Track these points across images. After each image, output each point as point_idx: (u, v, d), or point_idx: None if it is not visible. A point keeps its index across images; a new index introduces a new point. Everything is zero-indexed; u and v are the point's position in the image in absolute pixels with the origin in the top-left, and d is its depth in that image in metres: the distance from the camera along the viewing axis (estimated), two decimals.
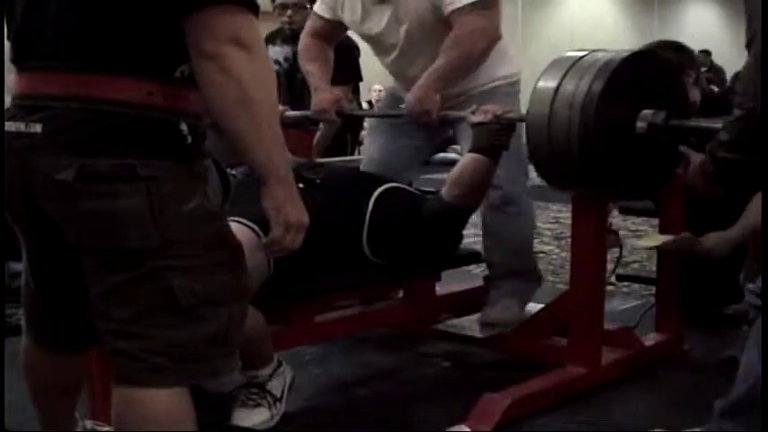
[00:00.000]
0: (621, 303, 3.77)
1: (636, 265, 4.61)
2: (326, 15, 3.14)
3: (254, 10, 1.48)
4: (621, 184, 2.57)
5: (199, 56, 1.45)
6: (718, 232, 2.70)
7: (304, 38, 3.23)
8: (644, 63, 2.54)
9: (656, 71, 2.55)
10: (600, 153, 2.41)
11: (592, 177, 2.47)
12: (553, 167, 2.51)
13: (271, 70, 1.54)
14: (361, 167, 3.26)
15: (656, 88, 2.52)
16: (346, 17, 3.09)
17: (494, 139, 2.69)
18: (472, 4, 2.81)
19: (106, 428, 2.13)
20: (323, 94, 3.13)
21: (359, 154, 7.82)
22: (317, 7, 3.20)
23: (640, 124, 2.44)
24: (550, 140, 2.44)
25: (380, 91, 4.32)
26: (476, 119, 2.70)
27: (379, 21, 3.00)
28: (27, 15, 1.55)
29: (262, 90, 1.48)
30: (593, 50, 2.55)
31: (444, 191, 2.74)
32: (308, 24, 3.24)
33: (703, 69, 10.83)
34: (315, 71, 3.17)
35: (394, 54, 3.04)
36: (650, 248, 3.19)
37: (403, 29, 2.96)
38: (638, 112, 2.45)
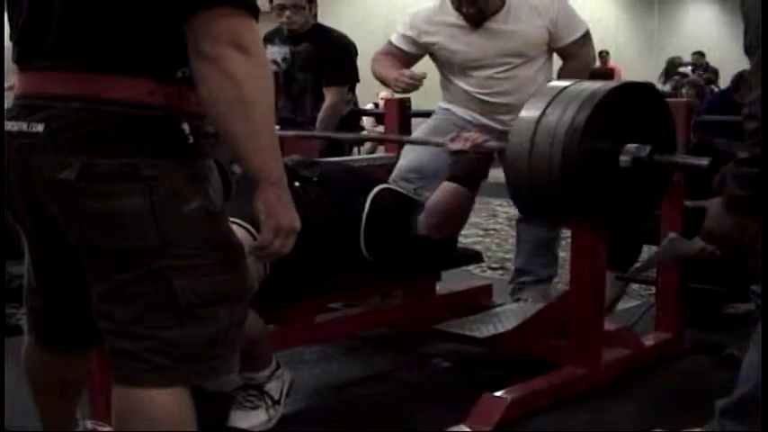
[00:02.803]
0: (621, 303, 3.76)
1: (636, 265, 4.60)
2: (404, 48, 3.36)
3: (254, 13, 1.48)
4: (603, 217, 2.48)
5: (197, 57, 1.45)
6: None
7: (378, 54, 3.42)
8: (630, 95, 2.45)
9: (642, 104, 2.46)
10: (581, 186, 2.32)
11: (573, 211, 2.38)
12: (532, 200, 2.40)
13: (269, 74, 1.54)
14: (403, 162, 3.27)
15: (643, 121, 2.43)
16: (436, 43, 3.29)
17: (471, 168, 2.59)
18: (584, 36, 3.23)
19: (106, 428, 2.13)
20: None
21: (358, 154, 7.84)
22: (394, 38, 3.40)
23: (624, 158, 2.34)
24: (530, 172, 2.33)
25: (384, 99, 4.33)
26: (455, 146, 2.60)
27: (475, 46, 3.22)
28: (30, 16, 1.55)
29: (259, 93, 1.47)
30: (579, 80, 2.48)
31: (421, 218, 2.67)
32: (384, 48, 3.43)
33: (690, 69, 10.82)
34: (388, 69, 3.32)
35: (482, 79, 3.25)
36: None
37: (500, 55, 3.20)
38: (623, 146, 2.36)
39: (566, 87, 2.40)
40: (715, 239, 2.03)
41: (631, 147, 2.34)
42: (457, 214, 2.68)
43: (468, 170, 2.58)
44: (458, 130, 3.31)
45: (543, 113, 2.33)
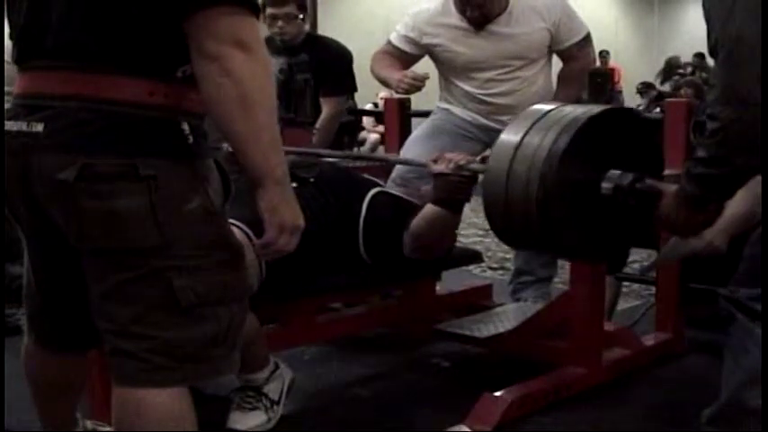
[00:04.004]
0: (621, 303, 3.76)
1: (636, 265, 4.61)
2: (405, 48, 3.36)
3: (256, 11, 1.48)
4: (582, 247, 2.37)
5: (200, 56, 1.45)
6: (708, 229, 2.66)
7: (377, 54, 3.42)
8: (616, 121, 2.35)
9: (628, 130, 2.37)
10: (559, 214, 2.22)
11: (550, 239, 2.27)
12: (508, 226, 2.31)
13: (270, 72, 1.54)
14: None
15: (628, 148, 2.32)
16: (438, 45, 3.29)
17: (454, 191, 2.51)
18: (585, 38, 3.26)
19: (106, 428, 2.13)
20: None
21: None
22: (394, 38, 3.40)
23: (605, 185, 2.24)
24: (507, 198, 2.24)
25: (383, 98, 4.32)
26: (437, 168, 2.52)
27: (478, 48, 3.22)
28: (30, 15, 1.55)
29: (261, 92, 1.48)
30: (563, 105, 2.40)
31: (405, 240, 2.63)
32: (384, 48, 3.43)
33: (690, 70, 10.78)
34: (388, 69, 3.33)
35: (483, 81, 3.26)
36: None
37: (502, 57, 3.21)
38: (605, 173, 2.26)
39: (548, 112, 2.32)
40: (667, 228, 2.12)
41: (614, 173, 2.25)
42: (441, 237, 2.64)
43: (451, 193, 2.52)
44: (458, 131, 3.33)
45: (523, 138, 2.26)
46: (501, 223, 2.31)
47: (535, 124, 2.28)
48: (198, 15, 1.43)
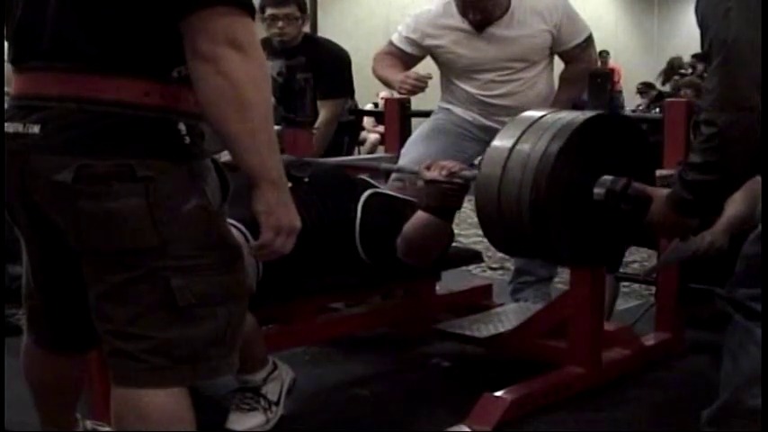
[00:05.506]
0: (621, 303, 3.76)
1: (636, 265, 4.61)
2: (407, 49, 3.36)
3: (251, 12, 1.48)
4: (575, 253, 2.36)
5: (195, 57, 1.45)
6: (709, 229, 2.67)
7: (379, 54, 3.42)
8: (609, 126, 2.35)
9: (622, 134, 2.36)
10: (551, 219, 2.21)
11: (542, 244, 2.26)
12: (501, 232, 2.30)
13: (267, 73, 1.54)
14: (402, 161, 3.27)
15: (622, 153, 2.31)
16: (440, 47, 3.30)
17: (446, 199, 2.50)
18: (586, 40, 3.26)
19: (106, 428, 2.13)
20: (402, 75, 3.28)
21: (358, 154, 7.84)
22: (395, 39, 3.39)
23: (598, 190, 2.22)
24: (500, 203, 2.24)
25: (384, 98, 4.33)
26: (429, 175, 2.49)
27: (479, 51, 3.23)
28: (26, 16, 1.55)
29: (257, 92, 1.48)
30: (555, 110, 2.41)
31: (398, 244, 2.61)
32: (385, 48, 3.43)
33: (690, 71, 10.77)
34: (391, 70, 3.33)
35: (484, 82, 3.27)
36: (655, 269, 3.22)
37: (504, 60, 3.22)
38: (598, 178, 2.24)
39: (541, 117, 2.33)
40: (657, 231, 2.13)
41: (606, 179, 2.24)
42: (431, 244, 2.62)
43: (442, 201, 2.50)
44: (459, 131, 3.33)
45: (517, 142, 2.25)
46: (493, 228, 2.31)
47: (529, 128, 2.28)
48: (193, 16, 1.44)
